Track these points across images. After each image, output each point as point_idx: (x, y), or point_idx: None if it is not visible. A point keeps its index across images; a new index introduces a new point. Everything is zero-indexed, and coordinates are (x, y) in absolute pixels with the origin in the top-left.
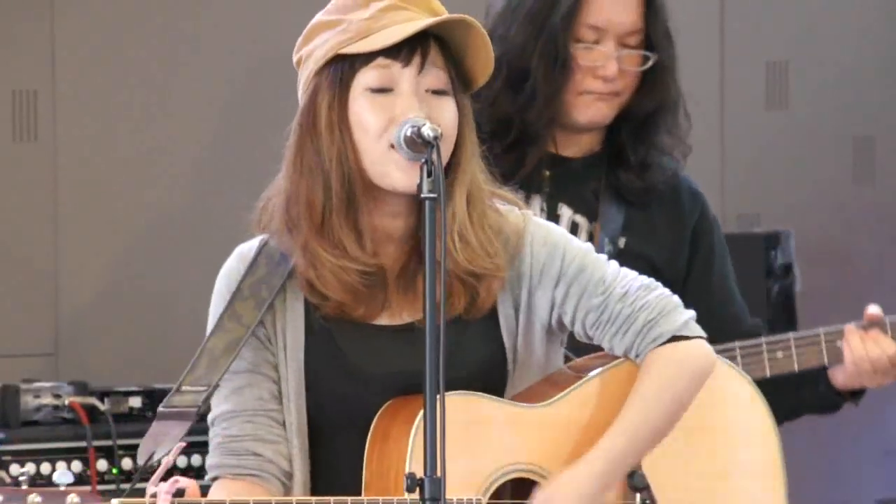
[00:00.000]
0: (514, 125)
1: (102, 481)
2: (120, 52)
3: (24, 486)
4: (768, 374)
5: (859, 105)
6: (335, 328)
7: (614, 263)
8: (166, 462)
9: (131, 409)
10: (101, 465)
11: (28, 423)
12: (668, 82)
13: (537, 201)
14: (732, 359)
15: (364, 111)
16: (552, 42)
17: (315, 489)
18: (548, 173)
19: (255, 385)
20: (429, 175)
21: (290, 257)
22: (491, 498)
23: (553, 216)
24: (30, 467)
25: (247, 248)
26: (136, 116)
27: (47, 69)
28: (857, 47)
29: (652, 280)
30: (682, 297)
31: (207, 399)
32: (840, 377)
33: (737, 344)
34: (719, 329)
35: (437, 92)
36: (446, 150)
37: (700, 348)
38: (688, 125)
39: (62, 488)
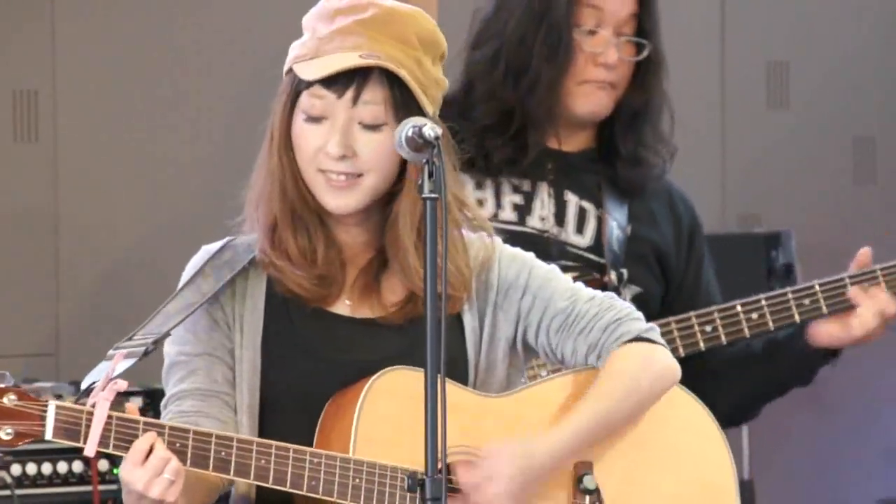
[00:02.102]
0: (515, 116)
1: (104, 481)
2: (120, 52)
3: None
4: (797, 319)
5: (860, 105)
6: (295, 313)
7: (580, 283)
8: (106, 375)
9: None
10: (103, 464)
11: None
12: (660, 77)
13: (544, 187)
14: (759, 309)
15: (299, 135)
16: (554, 26)
17: None
18: (550, 165)
19: (210, 368)
20: (430, 175)
21: (254, 248)
22: None
23: (560, 202)
24: (30, 468)
25: (211, 245)
26: (137, 116)
27: (47, 69)
28: (857, 47)
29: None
30: (677, 291)
31: (157, 341)
32: (830, 333)
33: (762, 296)
34: None
35: (368, 127)
36: (378, 179)
37: (666, 354)
38: (671, 127)
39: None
